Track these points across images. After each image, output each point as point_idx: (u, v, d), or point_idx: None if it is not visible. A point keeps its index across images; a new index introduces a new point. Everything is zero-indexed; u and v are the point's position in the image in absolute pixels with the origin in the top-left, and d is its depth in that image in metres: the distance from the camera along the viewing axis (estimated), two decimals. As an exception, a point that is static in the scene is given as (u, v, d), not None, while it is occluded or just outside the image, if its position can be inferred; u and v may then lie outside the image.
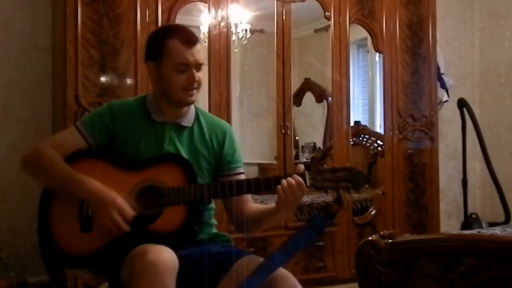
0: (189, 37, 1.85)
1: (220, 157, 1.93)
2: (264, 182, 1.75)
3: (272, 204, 1.78)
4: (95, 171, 1.79)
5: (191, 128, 1.91)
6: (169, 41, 1.83)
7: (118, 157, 1.84)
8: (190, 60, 1.82)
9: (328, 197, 3.65)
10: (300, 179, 1.69)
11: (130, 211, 1.71)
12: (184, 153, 1.87)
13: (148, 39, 1.94)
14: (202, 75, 1.88)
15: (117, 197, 1.71)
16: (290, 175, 1.71)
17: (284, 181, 1.69)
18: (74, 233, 1.76)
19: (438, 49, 4.03)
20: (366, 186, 4.06)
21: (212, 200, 1.92)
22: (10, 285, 2.88)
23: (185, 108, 1.91)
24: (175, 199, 1.74)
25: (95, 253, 1.74)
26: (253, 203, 1.93)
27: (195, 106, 1.96)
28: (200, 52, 1.86)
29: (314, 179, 1.72)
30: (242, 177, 1.93)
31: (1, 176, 3.25)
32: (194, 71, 1.83)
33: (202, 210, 1.83)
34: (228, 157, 1.94)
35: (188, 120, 1.91)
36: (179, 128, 1.90)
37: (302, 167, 1.76)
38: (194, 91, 1.85)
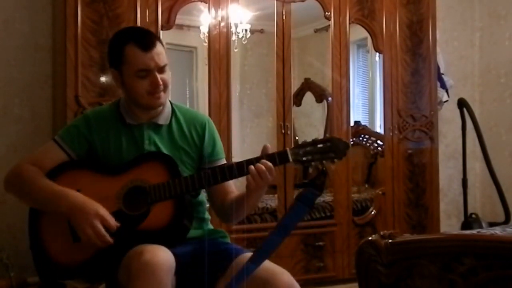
0: (146, 41, 1.80)
1: (201, 150, 1.93)
2: (237, 167, 1.74)
3: (244, 190, 1.79)
4: (80, 181, 1.79)
5: (169, 125, 1.91)
6: (126, 47, 1.80)
7: (100, 164, 1.85)
8: (151, 65, 1.79)
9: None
10: (270, 164, 1.69)
11: (113, 222, 1.71)
12: (165, 151, 1.87)
13: (108, 45, 1.91)
14: (167, 75, 1.85)
15: (99, 208, 1.70)
16: (261, 158, 1.71)
17: (252, 167, 1.69)
18: (67, 244, 1.76)
19: (438, 49, 4.03)
20: (366, 186, 4.07)
21: (201, 192, 1.92)
22: (10, 285, 2.88)
23: (159, 108, 1.90)
24: (161, 195, 1.74)
25: (89, 261, 1.75)
26: (236, 193, 1.92)
27: (170, 102, 1.95)
28: (161, 53, 1.82)
29: (296, 154, 1.71)
30: None
31: (1, 176, 3.24)
32: (157, 74, 1.80)
33: (190, 203, 1.83)
34: (209, 149, 1.94)
35: (164, 118, 1.90)
36: (157, 127, 1.89)
37: (268, 146, 1.76)
38: (161, 93, 1.83)
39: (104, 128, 1.88)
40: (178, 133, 1.91)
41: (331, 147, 1.71)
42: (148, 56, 1.78)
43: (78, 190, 1.77)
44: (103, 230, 1.68)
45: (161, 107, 1.89)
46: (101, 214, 1.69)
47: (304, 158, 1.71)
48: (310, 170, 1.76)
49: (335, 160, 1.71)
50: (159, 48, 1.82)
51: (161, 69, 1.82)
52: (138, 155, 1.83)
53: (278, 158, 1.72)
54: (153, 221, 1.74)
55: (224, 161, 1.98)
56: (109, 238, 1.69)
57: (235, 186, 1.94)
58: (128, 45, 1.80)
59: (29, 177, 1.80)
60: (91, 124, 1.88)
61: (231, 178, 1.79)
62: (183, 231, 1.78)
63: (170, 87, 1.88)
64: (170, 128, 1.91)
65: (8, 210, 3.23)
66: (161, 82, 1.81)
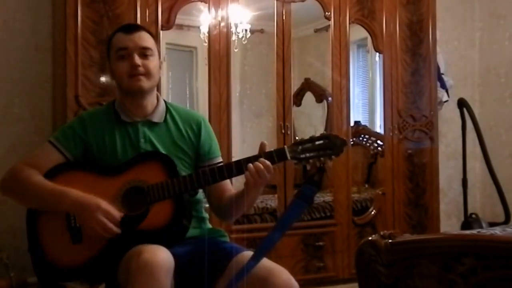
0: (129, 26, 1.92)
1: (198, 148, 1.94)
2: (236, 166, 1.75)
3: (242, 188, 1.80)
4: (77, 183, 1.78)
5: (165, 123, 1.92)
6: (114, 36, 1.90)
7: (97, 164, 1.85)
8: (129, 45, 1.84)
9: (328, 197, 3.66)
10: (268, 162, 1.71)
11: (116, 213, 1.71)
12: (162, 149, 1.87)
13: None
14: (152, 63, 1.87)
15: (100, 202, 1.71)
16: (259, 156, 1.72)
17: (251, 166, 1.70)
18: (66, 246, 1.76)
19: (438, 49, 4.03)
20: (366, 186, 4.07)
21: (199, 191, 1.92)
22: (10, 285, 2.88)
23: (153, 104, 1.91)
24: (160, 195, 1.74)
25: (89, 262, 1.75)
26: (233, 191, 1.93)
27: (165, 101, 1.97)
28: (143, 38, 1.87)
29: (294, 151, 1.73)
30: None
31: (0, 177, 3.24)
32: (136, 56, 1.84)
33: (189, 202, 1.83)
34: (206, 147, 1.95)
35: (158, 116, 1.92)
36: (152, 125, 1.90)
37: (265, 143, 1.77)
38: (141, 77, 1.84)
39: (99, 128, 1.89)
40: (175, 130, 1.92)
41: (329, 144, 1.72)
42: (129, 37, 1.85)
43: None
44: (108, 223, 1.68)
45: (155, 105, 1.91)
46: (103, 208, 1.69)
47: (302, 156, 1.73)
48: (308, 167, 1.76)
49: (333, 156, 1.72)
50: (143, 34, 1.88)
51: (143, 53, 1.86)
52: (136, 154, 1.83)
53: (276, 156, 1.73)
54: (152, 221, 1.73)
55: (220, 159, 1.99)
56: (115, 229, 1.69)
57: (235, 186, 1.94)
58: (115, 34, 1.90)
59: (25, 178, 1.79)
60: (86, 125, 1.89)
61: (230, 177, 1.80)
62: (182, 230, 1.78)
63: (156, 76, 1.89)
64: (167, 126, 1.92)
65: (8, 210, 3.23)
66: (139, 64, 1.83)
